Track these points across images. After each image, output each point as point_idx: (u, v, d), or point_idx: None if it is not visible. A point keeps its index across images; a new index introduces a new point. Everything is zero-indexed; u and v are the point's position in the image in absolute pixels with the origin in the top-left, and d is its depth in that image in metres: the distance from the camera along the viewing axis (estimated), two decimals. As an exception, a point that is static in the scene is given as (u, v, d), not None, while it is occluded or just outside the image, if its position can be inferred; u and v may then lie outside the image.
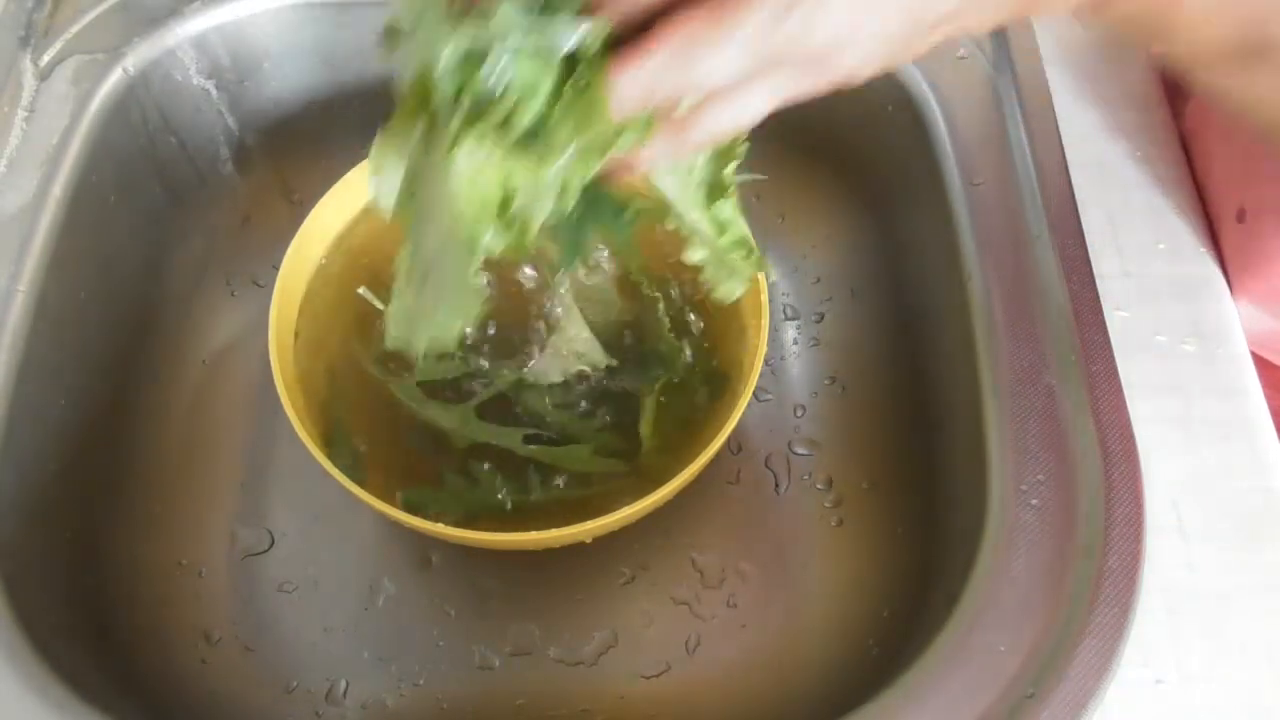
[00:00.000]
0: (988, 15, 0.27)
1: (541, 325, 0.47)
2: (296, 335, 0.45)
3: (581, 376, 0.46)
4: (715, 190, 0.29)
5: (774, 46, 0.24)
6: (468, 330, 0.46)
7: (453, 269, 0.24)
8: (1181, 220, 0.47)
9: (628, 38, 0.24)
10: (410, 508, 0.40)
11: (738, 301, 0.46)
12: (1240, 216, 0.44)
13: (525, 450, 0.44)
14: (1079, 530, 0.38)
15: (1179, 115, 0.50)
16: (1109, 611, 0.37)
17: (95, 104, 0.50)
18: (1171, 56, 0.28)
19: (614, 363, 0.46)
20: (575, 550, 0.43)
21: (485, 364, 0.46)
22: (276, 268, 0.44)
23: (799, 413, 0.53)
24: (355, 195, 0.47)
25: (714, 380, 0.45)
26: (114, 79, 0.51)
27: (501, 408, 0.46)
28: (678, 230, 0.32)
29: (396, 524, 0.39)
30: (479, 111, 0.23)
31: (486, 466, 0.44)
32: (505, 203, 0.24)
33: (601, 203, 0.29)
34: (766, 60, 0.25)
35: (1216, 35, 0.26)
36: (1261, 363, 0.44)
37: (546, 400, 0.45)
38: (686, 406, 0.45)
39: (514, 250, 0.24)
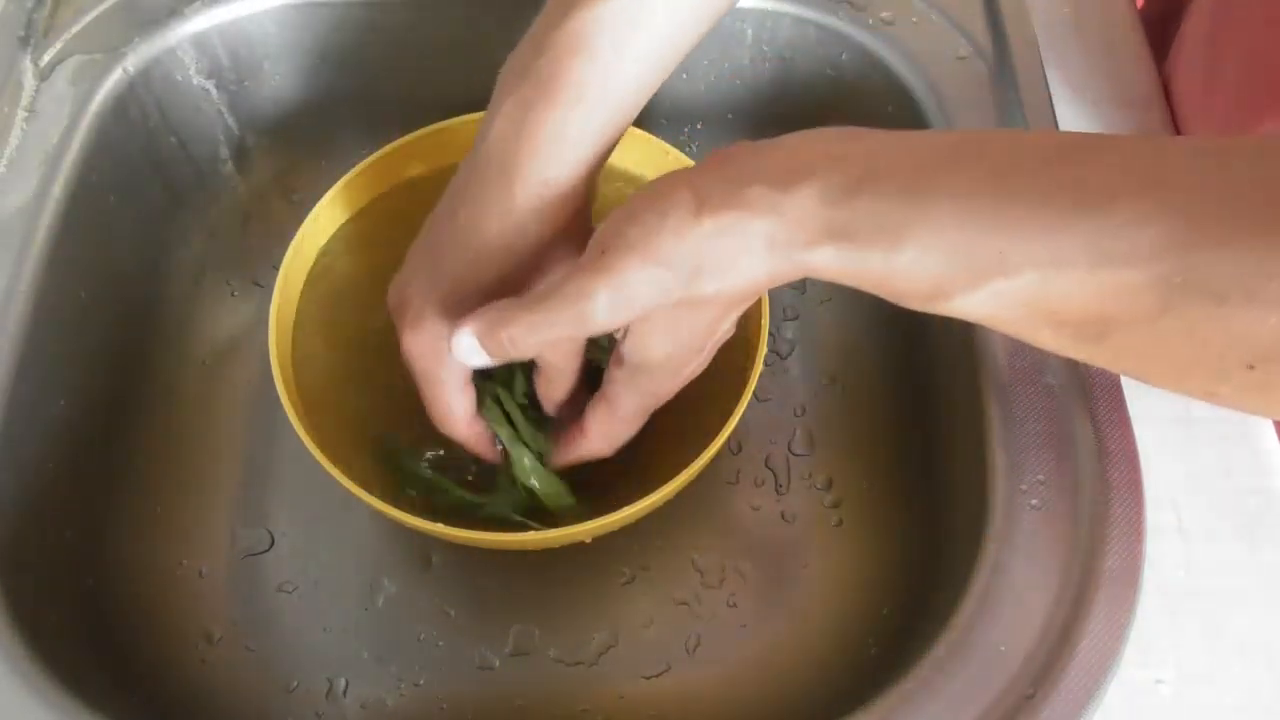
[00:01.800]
0: (752, 295, 0.35)
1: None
2: (296, 335, 0.45)
3: None
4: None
5: (649, 405, 0.39)
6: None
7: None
8: (1181, 220, 0.47)
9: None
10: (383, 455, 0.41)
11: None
12: None
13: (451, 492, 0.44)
14: (1079, 530, 0.38)
15: (1176, 113, 0.50)
16: (1109, 611, 0.37)
17: (95, 104, 0.50)
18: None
19: (571, 501, 0.44)
20: (575, 550, 0.43)
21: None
22: (276, 268, 0.44)
23: (799, 413, 0.53)
24: (355, 195, 0.47)
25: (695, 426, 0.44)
26: (114, 79, 0.51)
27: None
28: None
29: (396, 524, 0.39)
30: None
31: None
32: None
33: None
34: (647, 410, 0.39)
35: (862, 284, 0.32)
36: None
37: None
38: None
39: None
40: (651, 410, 0.39)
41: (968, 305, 0.29)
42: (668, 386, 0.38)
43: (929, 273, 0.29)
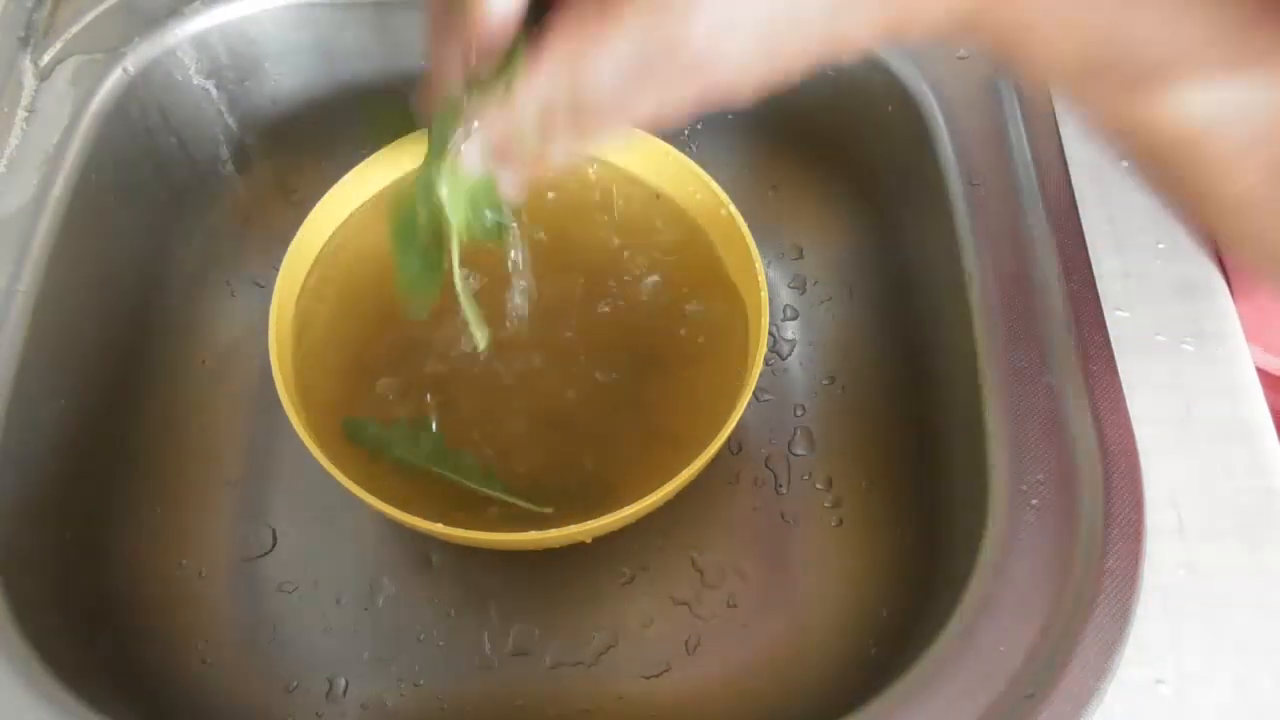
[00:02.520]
0: (862, 27, 0.27)
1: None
2: (297, 335, 0.45)
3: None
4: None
5: (656, 39, 0.26)
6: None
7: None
8: (1181, 220, 0.47)
9: None
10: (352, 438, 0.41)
11: (737, 302, 0.47)
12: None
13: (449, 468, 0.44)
14: (1079, 530, 0.38)
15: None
16: (1109, 611, 0.37)
17: (95, 104, 0.50)
18: (1029, 77, 0.28)
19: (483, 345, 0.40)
20: (575, 550, 0.43)
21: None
22: (276, 268, 0.44)
23: (799, 413, 0.53)
24: (355, 195, 0.47)
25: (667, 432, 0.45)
26: (114, 79, 0.51)
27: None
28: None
29: (396, 524, 0.39)
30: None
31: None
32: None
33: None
34: (650, 57, 0.26)
35: (1061, 56, 0.26)
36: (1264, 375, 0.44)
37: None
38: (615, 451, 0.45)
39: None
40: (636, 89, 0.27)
41: (1191, 100, 0.24)
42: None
43: (1173, 36, 0.24)
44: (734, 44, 0.26)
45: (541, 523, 0.40)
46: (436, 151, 0.33)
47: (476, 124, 0.31)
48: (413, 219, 0.36)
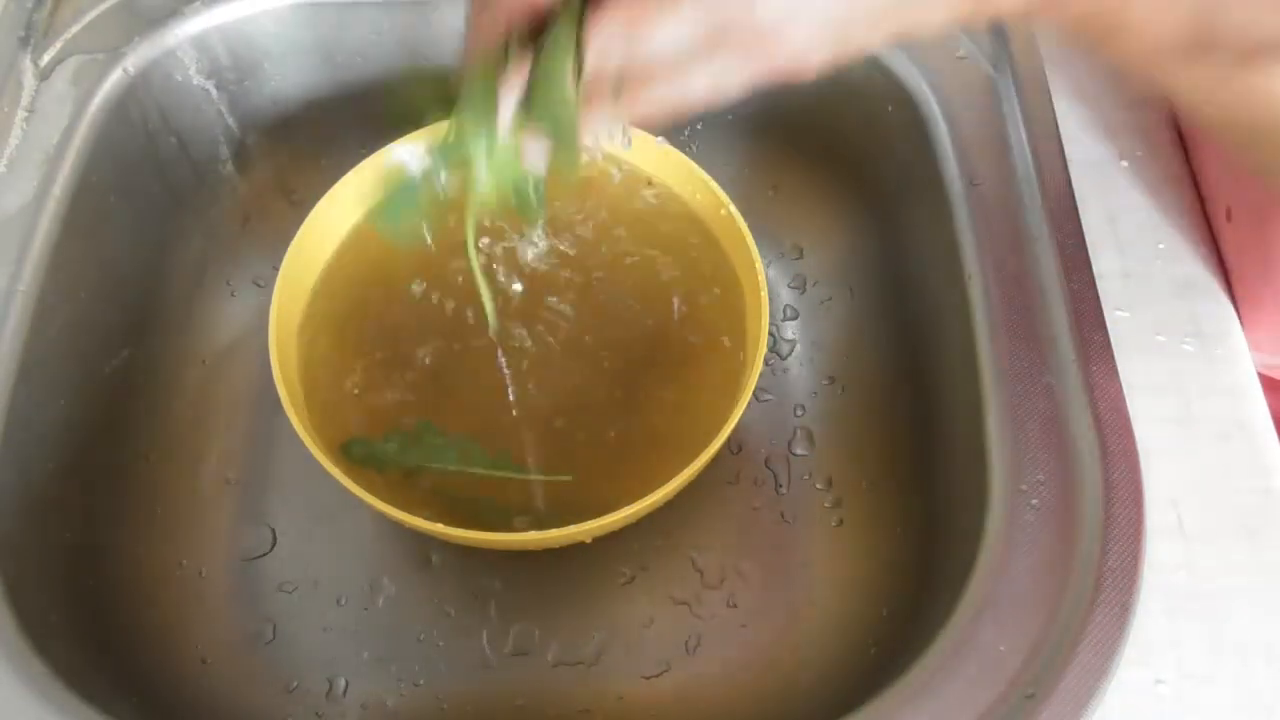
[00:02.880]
0: (937, 12, 0.27)
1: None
2: (297, 335, 0.45)
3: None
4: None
5: (718, 18, 0.25)
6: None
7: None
8: (1181, 220, 0.47)
9: None
10: (353, 459, 0.41)
11: (738, 302, 0.47)
12: (1228, 215, 0.45)
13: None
14: (1079, 530, 0.38)
15: (1178, 115, 0.50)
16: (1109, 611, 0.37)
17: (95, 104, 0.50)
18: (1122, 56, 0.28)
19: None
20: (575, 550, 0.43)
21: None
22: (276, 268, 0.44)
23: (799, 413, 0.53)
24: (356, 195, 0.47)
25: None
26: (114, 79, 0.51)
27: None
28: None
29: (396, 524, 0.39)
30: None
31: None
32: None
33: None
34: (711, 34, 0.25)
35: (1165, 32, 0.26)
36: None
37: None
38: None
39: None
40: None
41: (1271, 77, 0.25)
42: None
43: (1275, 15, 0.24)
44: (798, 30, 0.26)
45: (542, 522, 0.40)
46: (469, 115, 0.31)
47: (516, 84, 0.29)
48: (410, 185, 0.35)
